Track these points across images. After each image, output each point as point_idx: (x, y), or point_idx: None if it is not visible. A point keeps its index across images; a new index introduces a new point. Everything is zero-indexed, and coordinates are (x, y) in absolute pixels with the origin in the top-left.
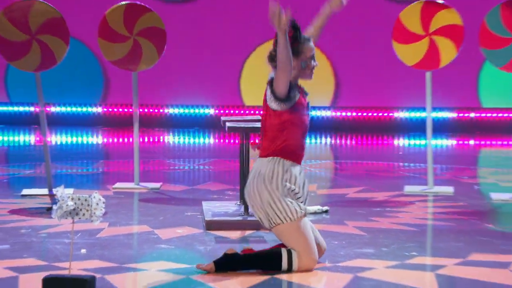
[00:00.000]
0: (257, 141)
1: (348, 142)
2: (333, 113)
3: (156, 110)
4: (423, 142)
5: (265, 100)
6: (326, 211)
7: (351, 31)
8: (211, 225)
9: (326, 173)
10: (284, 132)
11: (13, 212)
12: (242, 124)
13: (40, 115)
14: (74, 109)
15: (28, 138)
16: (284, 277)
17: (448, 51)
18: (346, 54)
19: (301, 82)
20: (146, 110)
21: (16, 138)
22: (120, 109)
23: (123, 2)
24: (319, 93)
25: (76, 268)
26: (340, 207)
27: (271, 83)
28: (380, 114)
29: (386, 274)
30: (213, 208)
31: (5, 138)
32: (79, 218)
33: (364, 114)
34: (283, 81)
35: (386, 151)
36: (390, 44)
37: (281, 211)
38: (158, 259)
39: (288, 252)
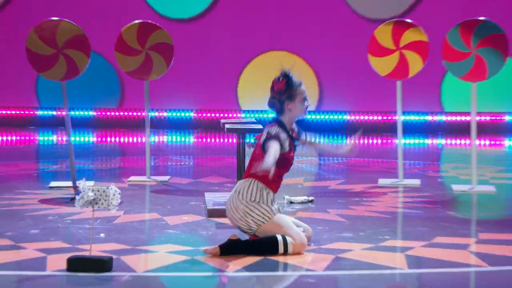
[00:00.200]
0: (252, 141)
1: (331, 141)
2: (317, 116)
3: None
4: (394, 141)
5: (259, 139)
6: (311, 201)
7: (335, 45)
8: (212, 213)
9: (311, 168)
10: None
11: (42, 201)
12: (239, 126)
13: (65, 118)
14: (94, 112)
15: (55, 138)
16: (275, 258)
17: (415, 63)
18: (329, 66)
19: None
20: (155, 113)
21: (45, 138)
22: (134, 113)
23: (137, 21)
24: None
25: (96, 250)
26: (323, 197)
27: (265, 140)
28: (358, 117)
29: (363, 255)
30: (214, 198)
31: (36, 138)
32: (98, 207)
33: (344, 117)
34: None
35: (363, 149)
36: (366, 57)
37: (259, 215)
38: (166, 242)
39: (283, 237)
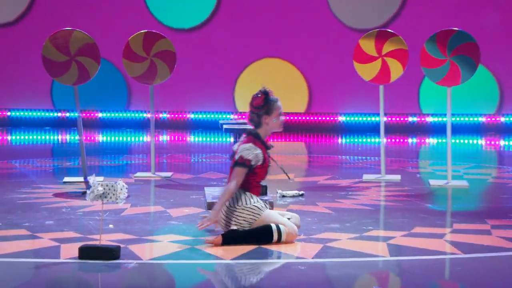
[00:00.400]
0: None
1: (319, 140)
2: (307, 118)
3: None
4: (377, 140)
5: (237, 149)
6: (302, 195)
7: (323, 53)
8: (211, 206)
9: (301, 165)
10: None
11: (56, 195)
12: (236, 126)
13: (77, 119)
14: (103, 114)
15: (68, 137)
16: (268, 247)
17: (396, 69)
18: (318, 72)
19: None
20: (160, 115)
21: (59, 137)
22: (140, 114)
23: (143, 31)
24: (297, 102)
25: (105, 239)
26: (312, 191)
27: (236, 163)
28: (345, 118)
29: (349, 244)
30: (213, 192)
31: (51, 137)
32: (107, 200)
33: (332, 118)
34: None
35: (349, 147)
36: (352, 64)
37: (249, 214)
38: (169, 232)
39: (277, 226)
